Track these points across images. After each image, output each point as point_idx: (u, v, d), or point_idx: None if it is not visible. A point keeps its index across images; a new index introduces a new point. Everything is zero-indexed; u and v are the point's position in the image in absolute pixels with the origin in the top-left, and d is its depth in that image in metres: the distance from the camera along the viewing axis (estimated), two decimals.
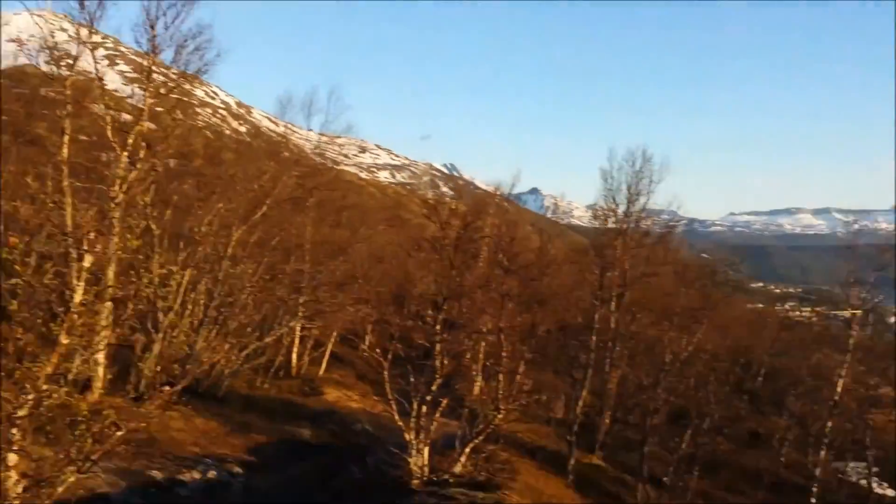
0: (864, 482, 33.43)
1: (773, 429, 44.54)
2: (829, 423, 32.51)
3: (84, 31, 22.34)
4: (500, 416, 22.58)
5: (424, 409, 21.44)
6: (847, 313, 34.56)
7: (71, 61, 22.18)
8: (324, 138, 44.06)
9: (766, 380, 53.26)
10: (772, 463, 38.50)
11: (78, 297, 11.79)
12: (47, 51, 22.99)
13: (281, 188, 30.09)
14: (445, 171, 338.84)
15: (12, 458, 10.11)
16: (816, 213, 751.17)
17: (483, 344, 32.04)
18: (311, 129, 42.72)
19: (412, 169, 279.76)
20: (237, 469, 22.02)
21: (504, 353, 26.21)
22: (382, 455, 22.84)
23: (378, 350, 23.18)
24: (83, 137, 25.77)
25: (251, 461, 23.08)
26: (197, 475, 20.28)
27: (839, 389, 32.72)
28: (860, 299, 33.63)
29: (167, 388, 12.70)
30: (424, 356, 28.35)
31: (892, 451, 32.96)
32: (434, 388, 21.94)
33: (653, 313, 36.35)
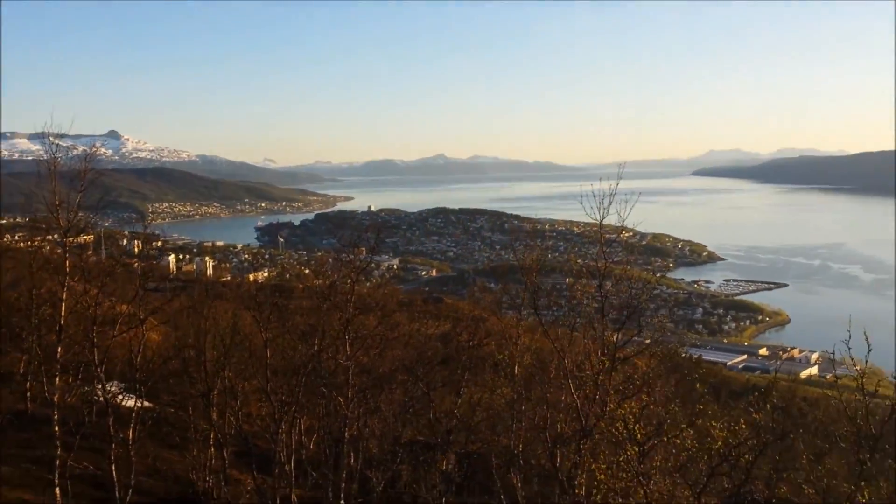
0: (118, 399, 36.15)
1: (14, 364, 43.46)
2: (60, 349, 33.69)
3: None
4: None
5: None
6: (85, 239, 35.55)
7: None
8: None
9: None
10: (17, 400, 37.93)
11: None
12: None
13: None
14: None
15: None
16: (32, 137, 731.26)
17: None
18: None
19: None
20: None
21: None
22: None
23: None
24: None
25: None
26: None
27: (63, 314, 34.08)
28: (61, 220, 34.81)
29: None
30: None
31: (122, 365, 36.38)
32: None
33: None
